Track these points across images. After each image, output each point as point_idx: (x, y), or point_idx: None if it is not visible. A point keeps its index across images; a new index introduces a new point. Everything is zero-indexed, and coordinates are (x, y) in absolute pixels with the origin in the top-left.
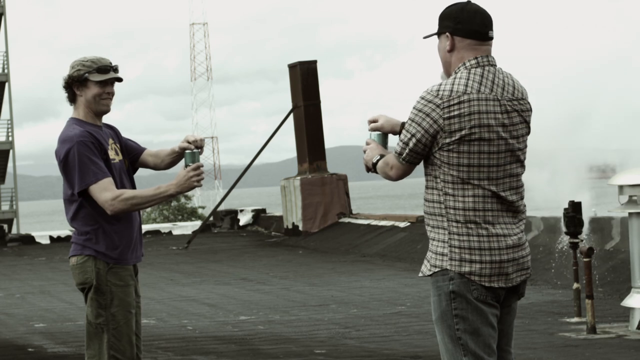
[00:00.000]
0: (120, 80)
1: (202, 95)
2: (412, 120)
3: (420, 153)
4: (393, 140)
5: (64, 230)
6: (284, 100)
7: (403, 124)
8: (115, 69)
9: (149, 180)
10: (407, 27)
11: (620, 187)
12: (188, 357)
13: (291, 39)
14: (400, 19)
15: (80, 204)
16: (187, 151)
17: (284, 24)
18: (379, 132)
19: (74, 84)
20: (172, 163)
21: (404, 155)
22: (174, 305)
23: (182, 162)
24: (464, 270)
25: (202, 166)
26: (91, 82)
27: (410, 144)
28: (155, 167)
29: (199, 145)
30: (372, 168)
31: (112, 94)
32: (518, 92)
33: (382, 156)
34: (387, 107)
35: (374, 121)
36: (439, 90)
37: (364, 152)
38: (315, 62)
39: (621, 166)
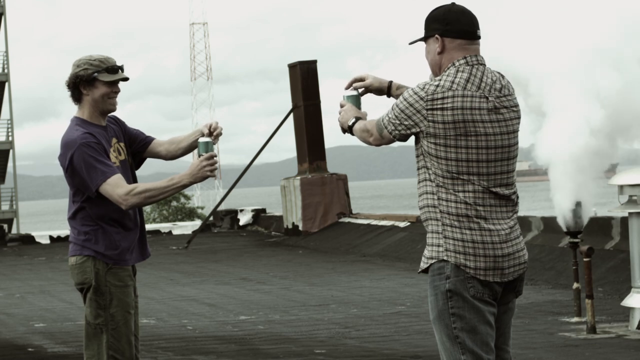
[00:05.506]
0: (127, 79)
1: (202, 95)
2: (397, 106)
3: (406, 134)
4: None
5: (64, 230)
6: (284, 100)
7: (390, 83)
8: (122, 69)
9: (150, 180)
10: (407, 27)
11: (621, 187)
12: (188, 357)
13: (292, 39)
14: (400, 19)
15: (80, 205)
16: (201, 140)
17: (284, 24)
18: (352, 94)
19: (80, 83)
20: (189, 149)
21: (392, 132)
22: (174, 305)
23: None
24: (460, 261)
25: (216, 155)
26: (100, 81)
27: (396, 123)
28: (166, 156)
29: (213, 130)
30: (348, 130)
31: (118, 92)
32: (505, 88)
33: (357, 118)
34: (388, 106)
35: (360, 80)
36: (426, 84)
37: (339, 113)
38: (315, 62)
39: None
